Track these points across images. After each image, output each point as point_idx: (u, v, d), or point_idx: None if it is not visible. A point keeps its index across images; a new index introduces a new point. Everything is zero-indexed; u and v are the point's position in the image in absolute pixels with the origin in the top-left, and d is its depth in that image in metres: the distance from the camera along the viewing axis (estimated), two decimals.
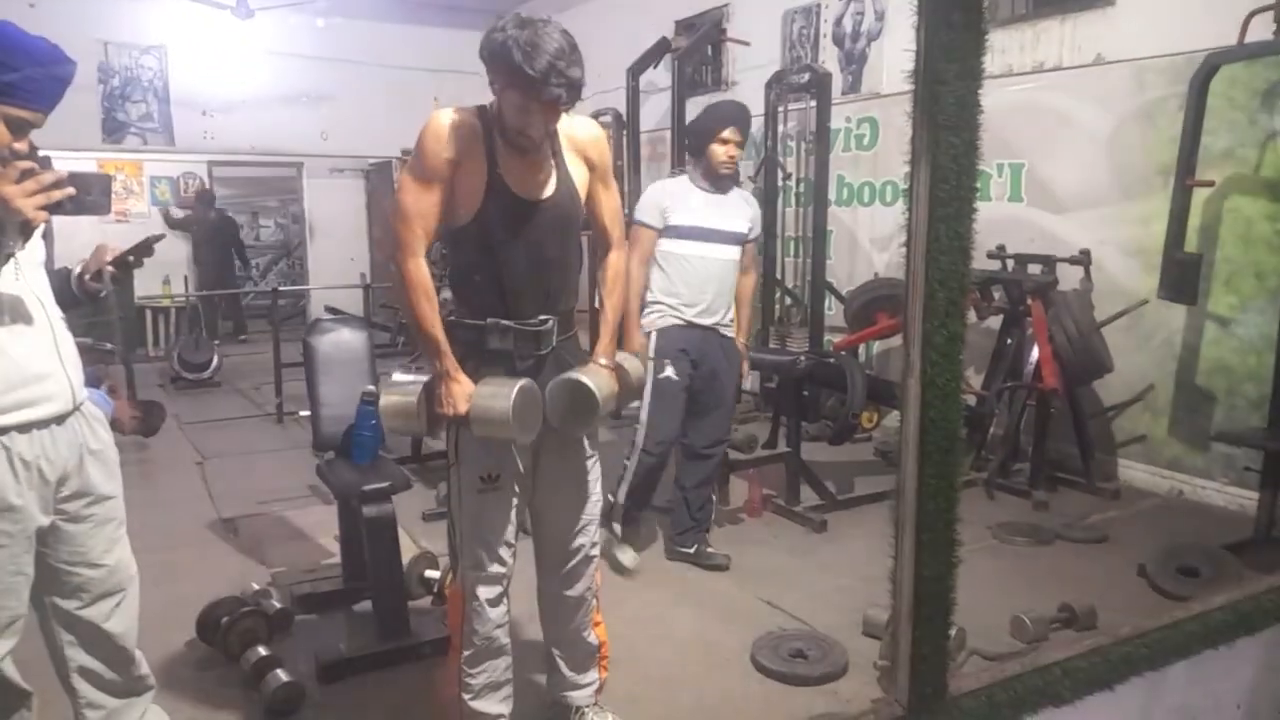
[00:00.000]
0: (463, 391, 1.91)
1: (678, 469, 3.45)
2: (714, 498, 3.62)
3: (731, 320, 3.34)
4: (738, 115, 3.26)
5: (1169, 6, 4.12)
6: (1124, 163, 4.33)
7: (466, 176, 1.90)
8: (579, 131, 2.05)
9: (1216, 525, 3.73)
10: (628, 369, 2.19)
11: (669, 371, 3.21)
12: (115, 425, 2.01)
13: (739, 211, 3.29)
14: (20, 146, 1.67)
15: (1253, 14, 3.62)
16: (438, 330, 1.94)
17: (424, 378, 2.02)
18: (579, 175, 2.03)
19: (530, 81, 1.76)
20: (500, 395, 1.86)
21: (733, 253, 3.28)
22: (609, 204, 2.14)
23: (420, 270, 1.93)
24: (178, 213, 9.00)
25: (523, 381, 1.90)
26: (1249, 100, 3.85)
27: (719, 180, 3.25)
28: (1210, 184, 3.84)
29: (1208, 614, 1.55)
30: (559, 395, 1.98)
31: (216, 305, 9.46)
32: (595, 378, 2.00)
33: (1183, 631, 1.51)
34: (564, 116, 2.00)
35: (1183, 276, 3.71)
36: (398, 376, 2.07)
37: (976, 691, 1.27)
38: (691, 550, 3.40)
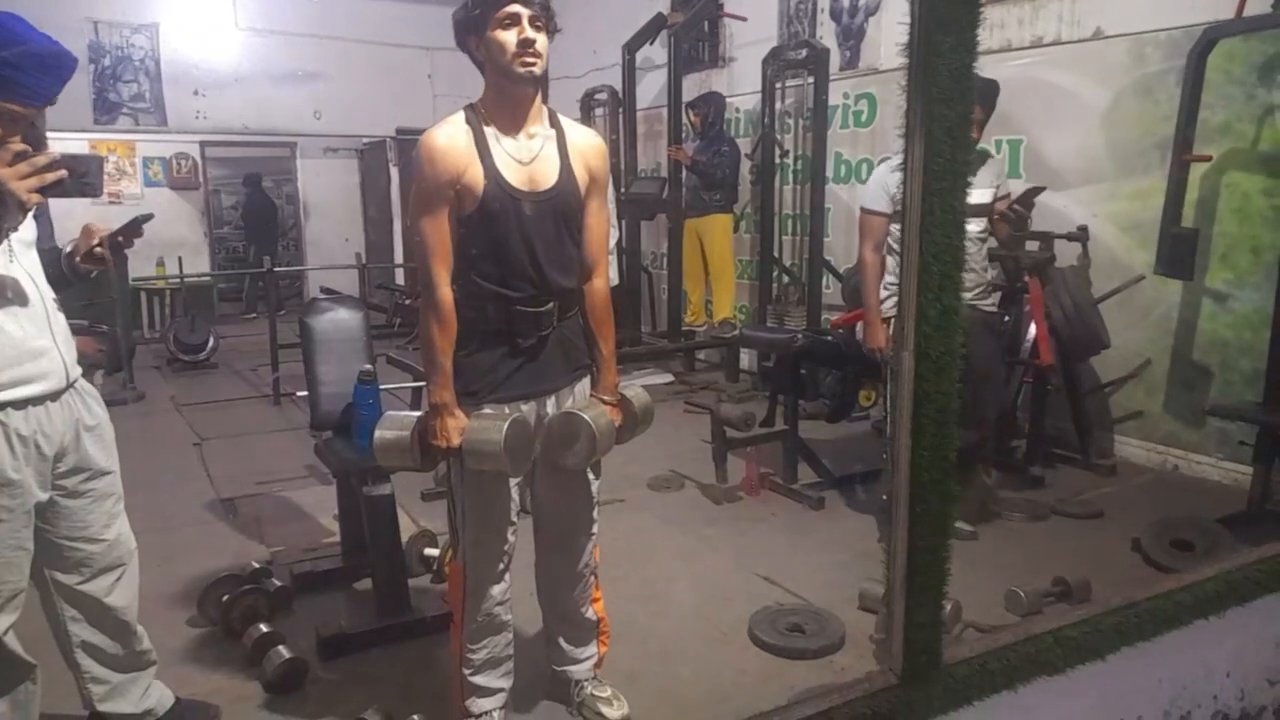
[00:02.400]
0: (457, 425, 1.93)
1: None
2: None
3: (980, 292, 3.33)
4: (985, 91, 3.17)
5: None
6: (1122, 138, 4.31)
7: (467, 179, 1.91)
8: (580, 138, 2.07)
9: (1211, 499, 3.75)
10: (632, 400, 2.17)
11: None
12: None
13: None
14: (16, 145, 1.66)
15: None
16: (446, 361, 1.96)
17: (416, 414, 2.04)
18: (581, 177, 2.04)
19: None
20: (493, 429, 1.88)
21: (972, 227, 3.18)
22: (598, 225, 2.11)
23: (445, 300, 1.95)
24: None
25: (514, 415, 1.92)
26: (1247, 74, 3.83)
27: None
28: (1208, 159, 3.82)
29: (1199, 584, 1.56)
30: (557, 429, 2.01)
31: (257, 282, 9.98)
32: (594, 414, 2.01)
33: (1173, 601, 1.52)
34: (566, 122, 2.04)
35: (1180, 252, 3.70)
36: (391, 414, 2.10)
37: (970, 660, 1.29)
38: None
